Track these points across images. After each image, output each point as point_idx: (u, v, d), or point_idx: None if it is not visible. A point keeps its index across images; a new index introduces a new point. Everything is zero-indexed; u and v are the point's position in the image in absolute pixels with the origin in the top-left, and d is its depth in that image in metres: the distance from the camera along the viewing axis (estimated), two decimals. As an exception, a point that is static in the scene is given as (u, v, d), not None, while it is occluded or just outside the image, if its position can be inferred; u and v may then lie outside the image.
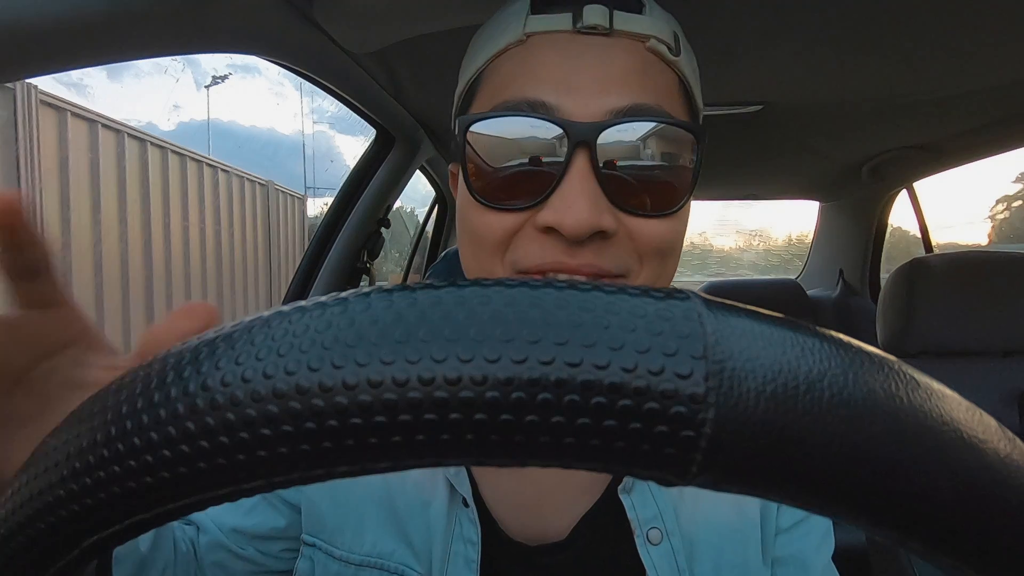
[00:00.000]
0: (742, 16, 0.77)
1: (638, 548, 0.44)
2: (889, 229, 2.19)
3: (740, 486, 0.14)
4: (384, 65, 0.90)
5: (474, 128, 0.39)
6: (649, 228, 0.39)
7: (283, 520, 0.51)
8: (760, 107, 1.15)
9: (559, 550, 0.46)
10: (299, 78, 0.85)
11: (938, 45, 0.86)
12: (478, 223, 0.40)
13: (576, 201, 0.36)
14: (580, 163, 0.37)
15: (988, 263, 1.14)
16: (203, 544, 0.50)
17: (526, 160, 0.38)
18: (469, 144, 0.40)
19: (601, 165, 0.37)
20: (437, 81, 0.96)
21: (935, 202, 2.13)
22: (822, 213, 2.42)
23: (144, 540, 0.43)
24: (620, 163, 0.37)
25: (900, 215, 2.13)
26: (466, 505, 0.45)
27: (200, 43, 0.58)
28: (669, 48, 0.41)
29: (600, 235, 0.37)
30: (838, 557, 0.52)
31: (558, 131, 0.37)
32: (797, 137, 1.42)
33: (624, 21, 0.39)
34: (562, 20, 0.39)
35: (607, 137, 0.37)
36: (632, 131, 0.37)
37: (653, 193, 0.39)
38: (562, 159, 0.37)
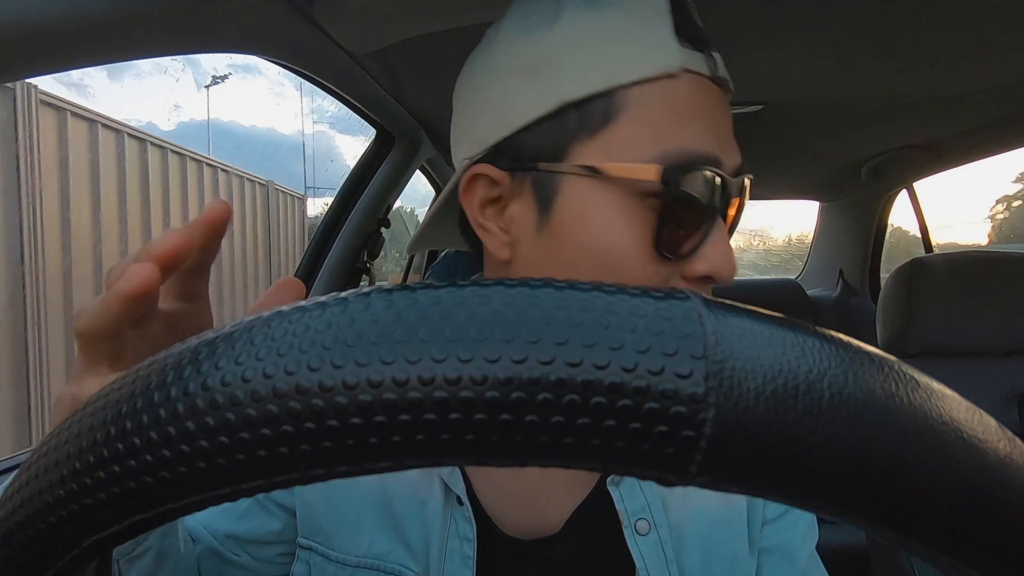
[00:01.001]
0: (742, 16, 0.77)
1: (627, 540, 0.45)
2: (889, 229, 2.19)
3: (740, 486, 0.14)
4: (384, 65, 0.90)
5: (669, 175, 0.37)
6: None
7: (278, 523, 0.51)
8: (760, 107, 1.15)
9: (553, 544, 0.46)
10: (299, 78, 0.85)
11: (938, 45, 0.86)
12: (641, 274, 0.38)
13: (729, 251, 0.39)
14: (725, 219, 0.40)
15: (988, 263, 1.14)
16: (197, 552, 0.50)
17: (692, 213, 0.38)
18: (677, 191, 0.37)
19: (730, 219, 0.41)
20: (437, 81, 0.96)
21: (935, 202, 2.13)
22: (822, 213, 2.41)
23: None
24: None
25: (900, 215, 2.13)
26: (460, 503, 0.46)
27: (200, 43, 0.58)
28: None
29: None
30: (838, 557, 0.52)
31: (723, 189, 0.39)
32: (797, 137, 1.42)
33: (725, 73, 0.41)
34: (703, 63, 0.39)
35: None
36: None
37: None
38: (714, 211, 0.39)
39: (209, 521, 0.51)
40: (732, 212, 0.41)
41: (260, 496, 0.50)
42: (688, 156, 0.37)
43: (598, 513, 0.46)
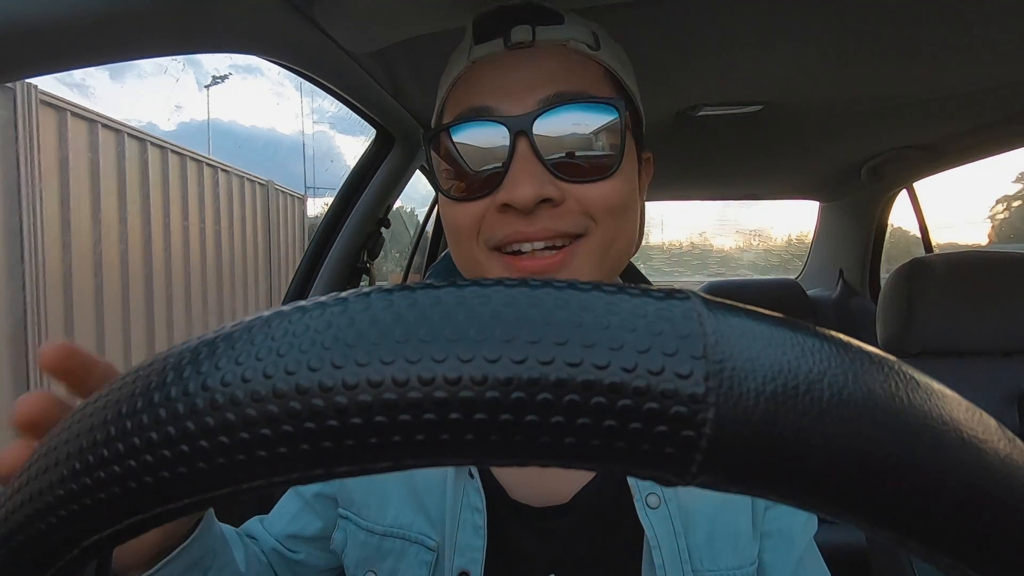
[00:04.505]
0: (742, 16, 0.77)
1: (638, 512, 0.48)
2: (889, 229, 2.19)
3: (740, 486, 0.14)
4: (384, 65, 0.90)
5: (436, 140, 0.48)
6: (594, 191, 0.45)
7: (320, 522, 0.56)
8: (760, 107, 1.15)
9: (563, 513, 0.49)
10: (299, 78, 0.85)
11: (938, 45, 0.86)
12: (453, 216, 0.48)
13: (520, 178, 0.44)
14: (522, 148, 0.44)
15: (988, 263, 1.14)
16: (266, 553, 0.56)
17: (482, 156, 0.46)
18: (435, 153, 0.48)
19: (540, 146, 0.44)
20: (437, 81, 0.96)
21: (935, 202, 2.13)
22: (822, 213, 2.41)
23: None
24: (556, 142, 0.45)
25: (900, 215, 2.13)
26: (471, 476, 0.49)
27: (200, 43, 0.58)
28: (588, 45, 0.48)
29: (548, 203, 0.44)
30: (838, 557, 0.53)
31: (501, 127, 0.44)
32: (797, 137, 1.42)
33: (545, 32, 0.48)
34: (496, 44, 0.48)
35: (541, 123, 0.44)
36: (561, 114, 0.45)
37: (590, 162, 0.45)
38: (507, 148, 0.44)
39: (270, 525, 0.58)
40: (522, 145, 0.44)
41: (308, 497, 0.57)
42: (456, 118, 0.47)
43: (608, 487, 0.49)
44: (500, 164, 0.45)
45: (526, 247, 0.45)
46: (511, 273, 0.46)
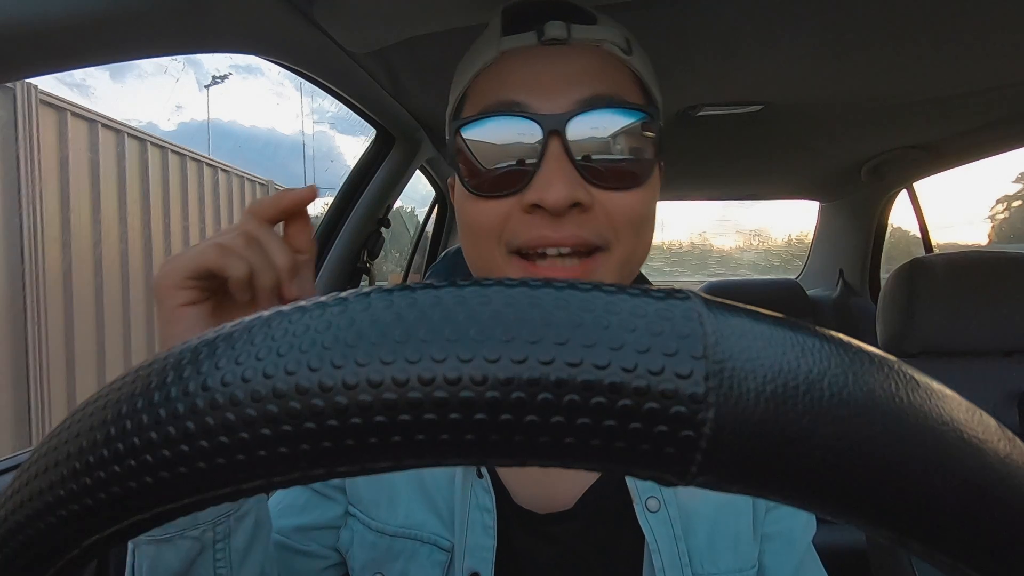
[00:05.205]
0: (743, 16, 0.77)
1: (637, 516, 0.47)
2: (889, 229, 2.19)
3: (740, 486, 0.14)
4: (384, 65, 0.90)
5: (463, 131, 0.45)
6: (621, 200, 0.44)
7: (340, 507, 0.54)
8: (760, 107, 1.15)
9: (566, 519, 0.49)
10: (299, 78, 0.85)
11: (938, 45, 0.86)
12: (475, 213, 0.46)
13: (553, 178, 0.42)
14: (554, 148, 0.43)
15: (988, 263, 1.14)
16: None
17: (510, 153, 0.44)
18: (461, 145, 0.46)
19: (573, 148, 0.43)
20: (437, 81, 0.96)
21: (935, 202, 2.13)
22: (822, 213, 2.41)
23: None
24: (589, 146, 0.43)
25: (900, 215, 2.13)
26: (480, 476, 0.49)
27: (200, 43, 0.58)
28: (622, 49, 0.47)
29: (578, 208, 0.43)
30: (838, 557, 0.53)
31: (534, 125, 0.43)
32: (797, 137, 1.42)
33: (580, 31, 0.46)
34: (528, 37, 0.46)
35: (575, 125, 0.43)
36: (596, 118, 0.43)
37: (621, 170, 0.44)
38: (539, 147, 0.43)
39: (273, 520, 0.55)
40: (555, 144, 0.43)
41: (317, 485, 0.55)
42: (484, 111, 0.45)
43: (610, 492, 0.49)
44: (526, 162, 0.43)
45: (551, 251, 0.44)
46: None
